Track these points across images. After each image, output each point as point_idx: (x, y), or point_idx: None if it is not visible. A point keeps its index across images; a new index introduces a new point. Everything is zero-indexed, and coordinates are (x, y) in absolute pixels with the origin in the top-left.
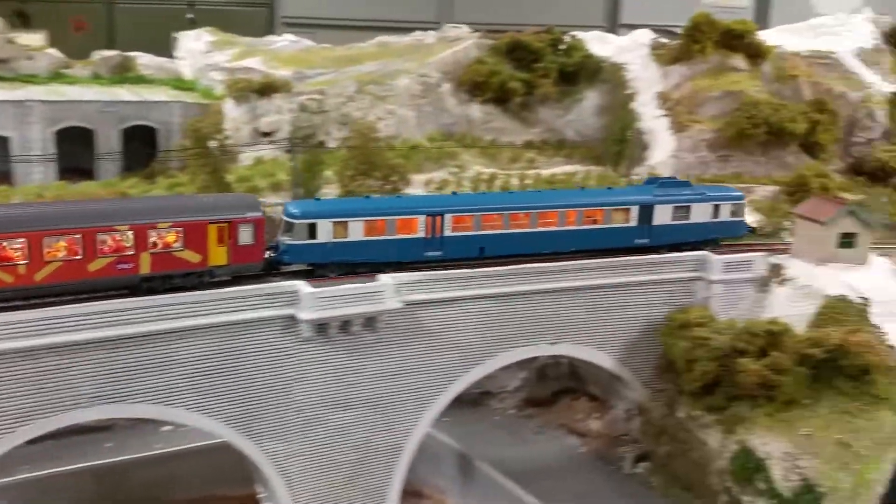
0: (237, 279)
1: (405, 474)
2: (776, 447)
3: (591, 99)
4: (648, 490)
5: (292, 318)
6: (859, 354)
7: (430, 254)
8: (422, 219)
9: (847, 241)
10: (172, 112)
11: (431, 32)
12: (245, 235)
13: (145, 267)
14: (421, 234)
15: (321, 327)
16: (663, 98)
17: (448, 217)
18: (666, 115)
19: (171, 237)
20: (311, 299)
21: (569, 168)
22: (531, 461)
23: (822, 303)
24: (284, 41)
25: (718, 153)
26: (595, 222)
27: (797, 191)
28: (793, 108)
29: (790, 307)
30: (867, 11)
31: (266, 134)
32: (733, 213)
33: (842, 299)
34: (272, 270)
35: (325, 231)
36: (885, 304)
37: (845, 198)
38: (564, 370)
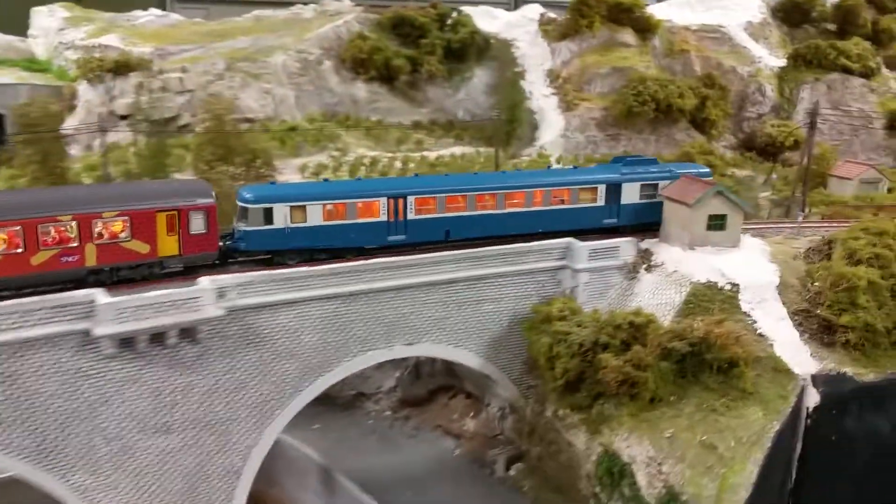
0: (197, 271)
1: (247, 498)
2: (640, 451)
3: (480, 77)
4: (520, 495)
5: (88, 334)
6: (724, 347)
7: (394, 238)
8: (383, 201)
9: (717, 222)
10: (20, 95)
11: (312, 6)
12: (197, 223)
13: (91, 259)
14: (383, 218)
15: (127, 342)
16: (552, 76)
17: (411, 199)
18: (555, 94)
19: (117, 227)
20: (110, 311)
21: (457, 150)
22: (401, 469)
23: (689, 290)
24: (150, 16)
25: (608, 132)
26: (562, 202)
27: None
28: (681, 83)
29: (658, 295)
30: None
31: (124, 117)
32: None
33: (710, 286)
34: (229, 259)
35: (282, 216)
36: (755, 290)
37: (711, 179)
38: (440, 367)
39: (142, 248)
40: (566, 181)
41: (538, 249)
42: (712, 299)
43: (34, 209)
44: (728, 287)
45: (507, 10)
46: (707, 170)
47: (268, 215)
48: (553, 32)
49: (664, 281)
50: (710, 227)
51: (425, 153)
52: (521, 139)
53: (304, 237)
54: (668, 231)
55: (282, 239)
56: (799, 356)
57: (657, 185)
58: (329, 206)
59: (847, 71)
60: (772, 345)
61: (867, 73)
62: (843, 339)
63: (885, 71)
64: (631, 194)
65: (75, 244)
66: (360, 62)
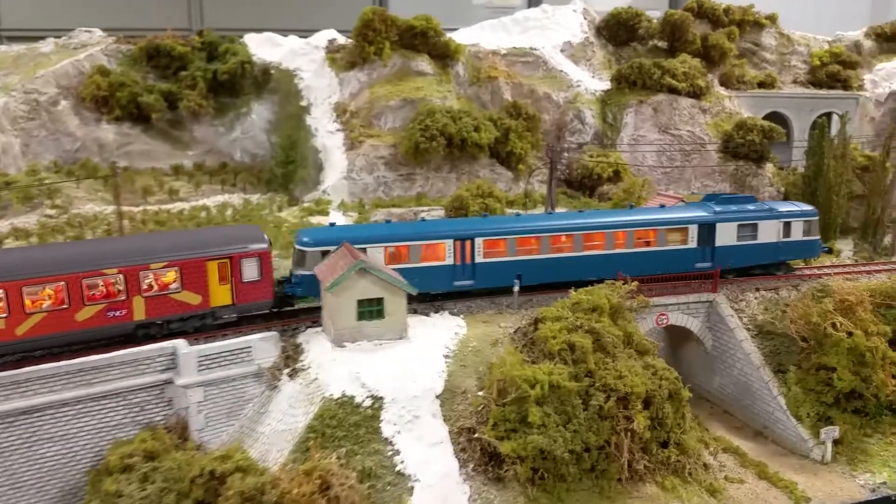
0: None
1: None
2: None
3: (259, 113)
4: None
5: None
6: None
7: (460, 283)
8: (449, 244)
9: (371, 309)
10: None
11: (51, 39)
12: (250, 271)
13: (139, 313)
14: (449, 262)
15: None
16: (339, 109)
17: (479, 241)
18: (341, 130)
19: (166, 278)
20: None
21: (221, 198)
22: None
23: (318, 410)
24: None
25: (400, 171)
26: (648, 244)
27: (457, 216)
28: (479, 115)
29: (287, 417)
30: (578, 2)
31: None
32: (806, 232)
33: (344, 402)
34: (285, 307)
35: None
36: (406, 404)
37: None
38: None
39: (193, 299)
40: (652, 221)
41: (125, 360)
42: (342, 423)
43: (78, 263)
44: (368, 403)
45: (302, 36)
46: (812, 209)
47: (324, 259)
48: (341, 61)
49: (300, 394)
50: (362, 316)
51: (179, 204)
52: (305, 182)
53: None
54: (324, 320)
55: None
56: (451, 501)
57: (756, 225)
58: (391, 249)
59: (674, 91)
60: (413, 487)
61: (696, 93)
62: (513, 472)
63: (719, 89)
64: (727, 235)
65: (122, 298)
66: (103, 100)
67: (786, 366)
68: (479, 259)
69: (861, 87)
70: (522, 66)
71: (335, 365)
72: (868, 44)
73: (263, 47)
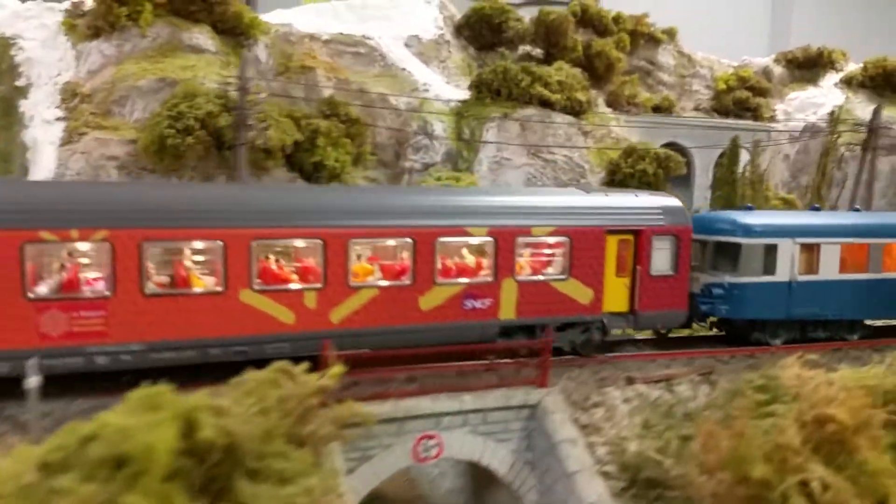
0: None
1: None
2: None
3: None
4: None
5: None
6: None
7: None
8: None
9: None
10: None
11: None
12: (661, 259)
13: (508, 307)
14: None
15: None
16: (68, 92)
17: None
18: (64, 119)
19: (547, 254)
20: None
21: None
22: None
23: None
24: None
25: (145, 177)
26: None
27: None
28: (271, 106)
29: None
30: None
31: None
32: None
33: None
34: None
35: (788, 260)
36: None
37: None
38: None
39: (582, 294)
40: None
41: None
42: None
43: (427, 214)
44: None
45: None
46: None
47: (769, 258)
48: (83, 29)
49: None
50: None
51: None
52: None
53: (810, 300)
54: None
55: (782, 301)
56: None
57: None
58: (847, 248)
59: (547, 105)
60: None
61: (576, 110)
62: None
63: (605, 111)
64: None
65: (488, 278)
66: None
67: None
68: None
69: (773, 119)
70: (352, 58)
71: None
72: (778, 70)
73: None
